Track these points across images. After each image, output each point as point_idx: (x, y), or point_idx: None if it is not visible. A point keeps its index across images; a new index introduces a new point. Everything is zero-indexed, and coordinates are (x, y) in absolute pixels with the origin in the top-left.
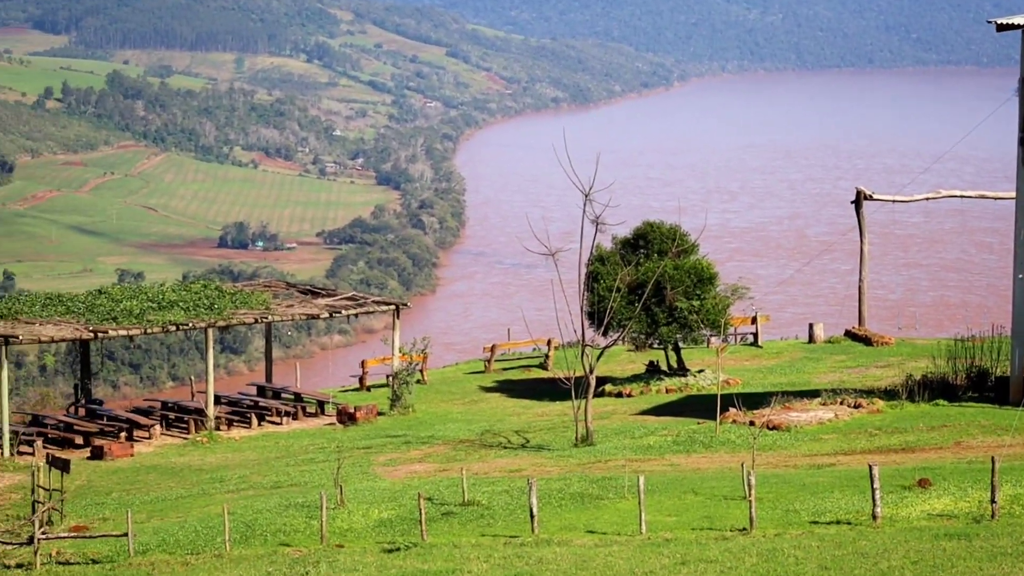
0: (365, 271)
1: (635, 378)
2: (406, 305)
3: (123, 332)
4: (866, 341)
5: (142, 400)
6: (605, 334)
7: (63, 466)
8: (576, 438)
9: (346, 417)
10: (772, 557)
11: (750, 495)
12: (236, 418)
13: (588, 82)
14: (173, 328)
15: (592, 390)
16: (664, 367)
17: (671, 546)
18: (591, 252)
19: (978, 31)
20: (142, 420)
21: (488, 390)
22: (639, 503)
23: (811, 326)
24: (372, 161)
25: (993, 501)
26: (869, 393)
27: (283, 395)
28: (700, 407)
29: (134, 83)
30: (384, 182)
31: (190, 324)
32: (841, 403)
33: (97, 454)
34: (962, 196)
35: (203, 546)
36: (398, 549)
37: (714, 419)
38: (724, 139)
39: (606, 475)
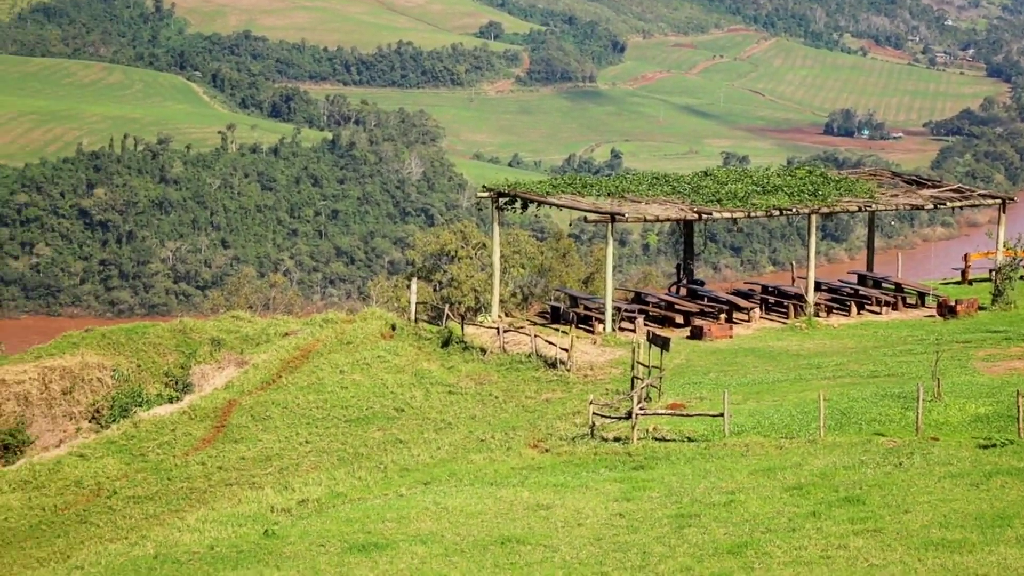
0: (971, 163)
1: None
2: (1012, 199)
3: (727, 214)
4: None
5: (742, 283)
6: None
7: (663, 344)
8: None
9: (946, 310)
10: None
11: None
12: (835, 305)
13: None
14: (776, 213)
15: None
16: None
17: None
18: None
19: None
20: (742, 303)
21: None
22: None
23: None
24: (983, 52)
25: None
26: None
27: (883, 285)
28: None
29: None
30: (994, 74)
31: (793, 209)
32: None
33: (696, 334)
34: None
35: (797, 430)
36: (993, 445)
37: None
38: None
39: None
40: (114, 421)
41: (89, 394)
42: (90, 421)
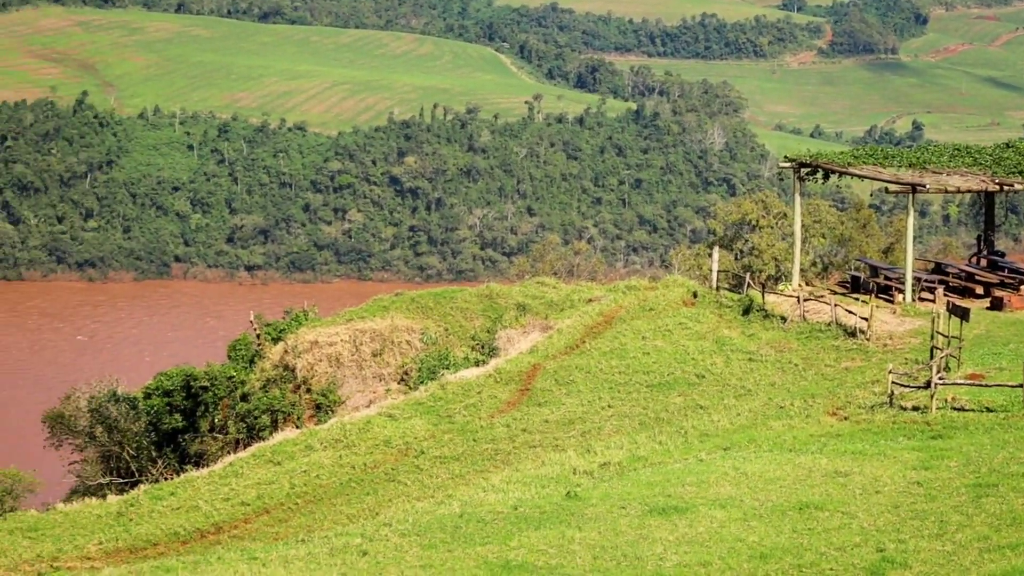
0: None
1: None
2: None
3: None
4: None
5: None
6: None
7: (963, 314)
8: None
9: None
10: None
11: None
12: None
13: None
14: None
15: None
16: None
17: None
18: None
19: None
20: None
21: None
22: None
23: None
24: None
25: None
26: None
27: None
28: None
29: None
30: None
31: None
32: None
33: (996, 305)
34: None
35: None
36: None
37: None
38: None
39: None
40: (422, 383)
41: (398, 356)
42: (399, 382)
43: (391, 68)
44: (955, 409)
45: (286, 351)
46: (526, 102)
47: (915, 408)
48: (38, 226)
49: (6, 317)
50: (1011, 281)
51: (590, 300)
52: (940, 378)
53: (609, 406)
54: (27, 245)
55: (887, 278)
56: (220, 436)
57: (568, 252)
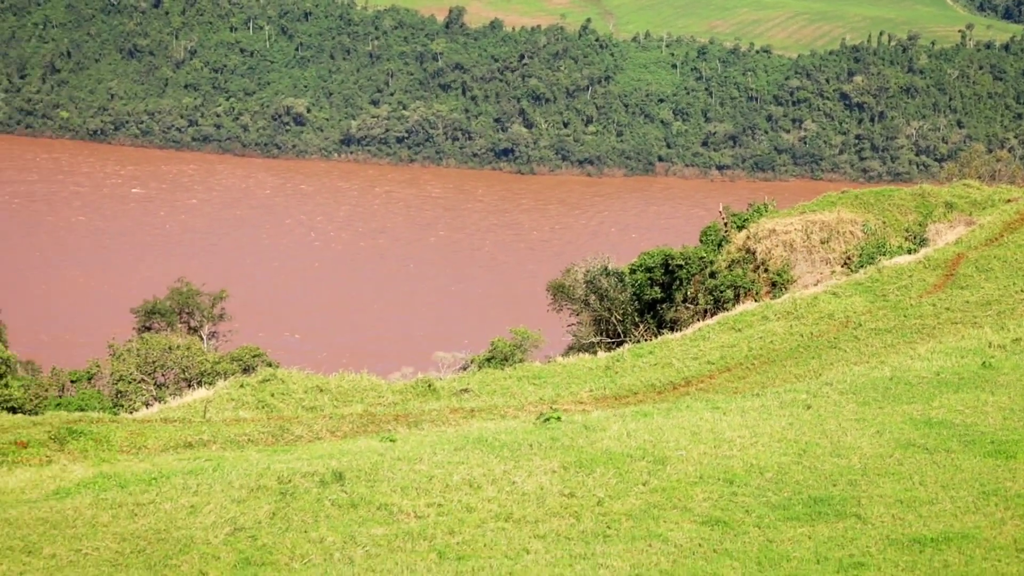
0: None
1: None
2: None
3: None
4: None
5: None
6: None
7: None
8: None
9: None
10: None
11: None
12: None
13: None
14: None
15: None
16: None
17: None
18: None
19: None
20: None
21: None
22: None
23: None
24: None
25: None
26: None
27: None
28: None
29: None
30: None
31: None
32: None
33: None
34: None
35: None
36: None
37: None
38: None
39: None
40: (862, 267)
41: (842, 244)
42: (842, 266)
43: (845, 0)
44: None
45: (748, 237)
46: (959, 30)
47: None
48: (547, 130)
49: (530, 203)
50: None
51: (1008, 201)
52: None
53: (1022, 291)
54: (538, 145)
55: None
56: (691, 306)
57: (991, 159)
